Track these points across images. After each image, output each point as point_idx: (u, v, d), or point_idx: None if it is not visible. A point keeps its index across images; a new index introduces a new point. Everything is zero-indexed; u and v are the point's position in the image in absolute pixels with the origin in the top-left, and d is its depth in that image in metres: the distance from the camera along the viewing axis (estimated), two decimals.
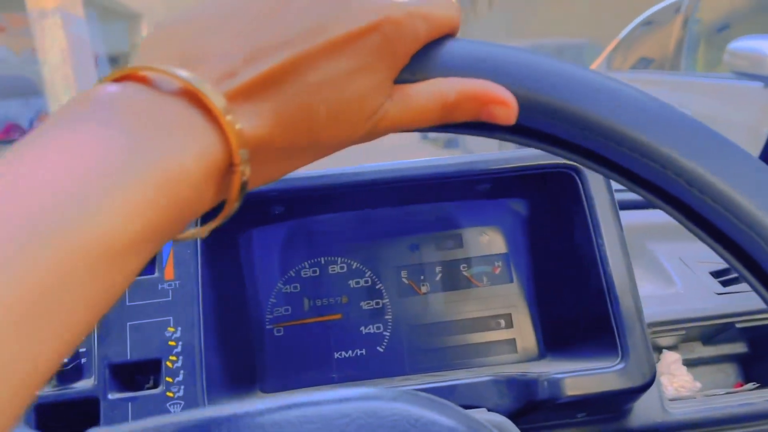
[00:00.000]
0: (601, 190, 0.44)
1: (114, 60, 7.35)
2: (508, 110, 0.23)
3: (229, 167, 0.20)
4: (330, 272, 0.51)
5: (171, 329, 0.40)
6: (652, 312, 0.47)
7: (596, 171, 0.23)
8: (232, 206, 0.21)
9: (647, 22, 3.10)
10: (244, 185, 0.21)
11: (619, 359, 0.40)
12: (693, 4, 2.58)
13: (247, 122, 0.20)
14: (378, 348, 0.50)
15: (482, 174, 0.44)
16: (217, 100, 0.19)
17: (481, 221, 0.52)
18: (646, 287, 0.52)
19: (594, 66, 3.63)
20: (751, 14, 2.55)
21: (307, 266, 0.51)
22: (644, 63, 3.17)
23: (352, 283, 0.51)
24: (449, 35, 0.25)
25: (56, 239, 0.16)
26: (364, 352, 0.50)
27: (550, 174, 0.45)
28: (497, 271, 0.52)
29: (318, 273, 0.51)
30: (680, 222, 0.21)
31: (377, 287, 0.51)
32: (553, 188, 0.46)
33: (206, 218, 0.22)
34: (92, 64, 5.47)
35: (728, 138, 0.22)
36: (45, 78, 4.90)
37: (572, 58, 5.87)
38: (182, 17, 0.22)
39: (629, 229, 0.48)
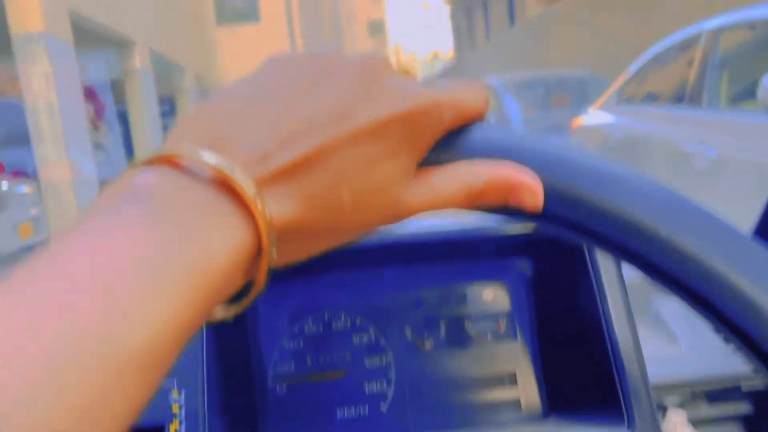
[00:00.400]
0: (606, 255, 0.46)
1: (113, 85, 7.40)
2: (535, 197, 0.24)
3: (257, 252, 0.21)
4: (333, 328, 0.53)
5: (175, 393, 0.42)
6: (656, 373, 0.49)
7: (620, 258, 0.24)
8: (259, 289, 0.22)
9: (653, 59, 3.10)
10: (270, 269, 0.22)
11: (625, 428, 0.42)
12: (714, 36, 2.55)
13: (276, 207, 0.21)
14: (381, 406, 0.51)
15: (488, 238, 0.47)
16: (247, 186, 0.20)
17: (486, 277, 0.54)
18: (650, 347, 0.54)
19: (603, 100, 3.62)
20: (752, 51, 2.58)
21: (311, 322, 0.53)
22: (651, 98, 3.19)
23: (355, 339, 0.53)
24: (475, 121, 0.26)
25: (91, 351, 0.16)
26: (367, 411, 0.51)
27: (556, 238, 0.48)
28: (502, 328, 0.54)
29: (321, 329, 0.53)
30: (700, 313, 0.23)
31: (381, 343, 0.53)
32: (559, 251, 0.49)
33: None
34: (79, 91, 5.48)
35: (742, 232, 0.24)
36: (27, 105, 4.86)
37: (574, 90, 5.95)
38: (215, 100, 0.24)
39: (632, 284, 0.51)
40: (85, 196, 5.25)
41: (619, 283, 0.46)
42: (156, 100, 7.84)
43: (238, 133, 0.22)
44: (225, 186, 0.21)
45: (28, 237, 4.18)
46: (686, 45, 2.79)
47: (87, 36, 6.14)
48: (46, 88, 4.88)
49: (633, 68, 3.32)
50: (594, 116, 3.67)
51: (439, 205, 0.25)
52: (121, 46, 7.23)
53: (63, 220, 4.94)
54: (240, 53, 11.56)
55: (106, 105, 6.93)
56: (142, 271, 0.18)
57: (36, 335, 0.16)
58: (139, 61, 7.37)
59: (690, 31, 2.78)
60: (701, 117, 2.51)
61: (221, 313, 0.23)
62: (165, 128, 8.24)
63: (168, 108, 9.43)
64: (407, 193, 0.24)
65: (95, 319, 0.16)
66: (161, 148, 0.22)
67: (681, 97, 2.72)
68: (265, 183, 0.21)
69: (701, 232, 0.23)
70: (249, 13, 11.93)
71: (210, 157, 0.21)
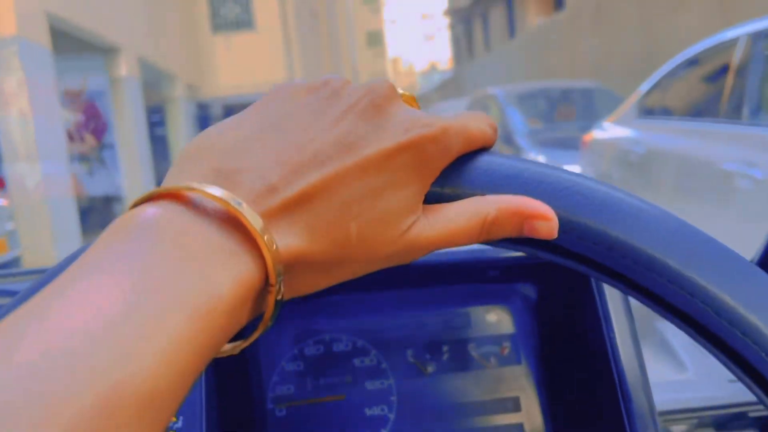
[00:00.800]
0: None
1: (99, 94, 7.41)
2: (549, 224, 0.24)
3: (264, 287, 0.22)
4: (334, 350, 0.55)
5: (173, 419, 0.43)
6: (663, 399, 0.51)
7: (631, 296, 0.25)
8: (267, 325, 0.22)
9: (678, 69, 3.01)
10: (278, 303, 0.22)
11: None
12: (753, 42, 2.35)
13: (282, 240, 0.22)
14: (382, 431, 0.53)
15: (492, 262, 0.48)
16: (254, 220, 0.21)
17: (489, 301, 0.56)
18: (656, 373, 0.55)
19: (620, 113, 3.53)
20: None
21: (312, 344, 0.55)
22: (677, 111, 3.07)
23: (356, 362, 0.54)
24: (483, 148, 0.27)
25: (91, 399, 0.16)
26: None
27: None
28: (505, 352, 0.55)
29: (322, 351, 0.54)
30: (719, 359, 0.24)
31: (382, 366, 0.54)
32: (563, 275, 0.50)
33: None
34: (55, 99, 5.38)
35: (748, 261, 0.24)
36: None
37: (581, 102, 6.00)
38: (218, 131, 0.24)
39: (638, 308, 0.52)
40: (59, 213, 5.21)
41: (624, 307, 0.48)
42: (144, 109, 7.85)
43: (244, 166, 0.23)
44: (232, 221, 0.21)
45: (3, 253, 4.12)
46: (718, 52, 2.61)
47: (67, 41, 6.10)
48: (19, 96, 4.80)
49: (654, 78, 3.16)
50: (609, 130, 3.56)
51: (451, 239, 0.25)
52: (106, 52, 7.21)
53: (34, 238, 4.88)
54: (235, 61, 11.64)
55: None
56: (143, 313, 0.18)
57: (35, 381, 0.16)
58: (125, 68, 7.36)
59: (723, 36, 2.58)
60: (742, 132, 2.35)
61: (228, 348, 0.23)
62: (153, 138, 8.25)
63: (157, 118, 9.46)
64: (417, 227, 0.25)
65: (95, 364, 0.17)
66: (165, 182, 0.23)
67: (714, 109, 2.57)
68: (272, 216, 0.22)
69: (721, 270, 0.24)
70: (244, 21, 12.02)
71: (216, 192, 0.21)
